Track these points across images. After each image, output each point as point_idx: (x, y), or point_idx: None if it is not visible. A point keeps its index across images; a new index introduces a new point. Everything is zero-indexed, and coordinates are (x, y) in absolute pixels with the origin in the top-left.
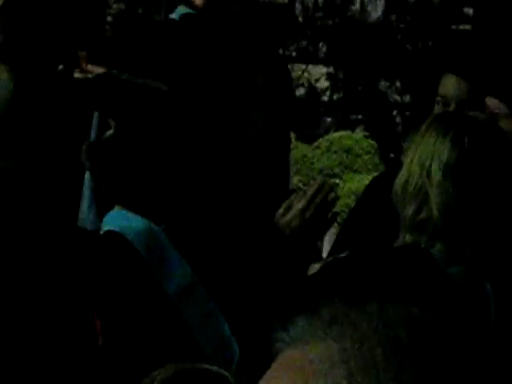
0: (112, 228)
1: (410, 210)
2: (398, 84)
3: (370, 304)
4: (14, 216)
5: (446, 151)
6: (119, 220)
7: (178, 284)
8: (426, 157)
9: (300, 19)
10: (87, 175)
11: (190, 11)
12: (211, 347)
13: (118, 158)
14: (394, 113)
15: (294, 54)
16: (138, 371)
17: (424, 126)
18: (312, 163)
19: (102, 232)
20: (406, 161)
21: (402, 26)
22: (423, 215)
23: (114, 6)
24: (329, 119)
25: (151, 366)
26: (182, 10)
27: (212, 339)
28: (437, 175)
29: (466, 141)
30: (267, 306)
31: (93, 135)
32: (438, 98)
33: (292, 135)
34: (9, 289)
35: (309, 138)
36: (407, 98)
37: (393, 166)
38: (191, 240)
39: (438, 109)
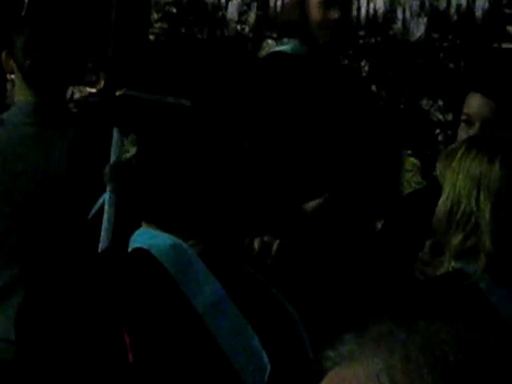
0: (139, 245)
1: (457, 238)
2: (440, 103)
3: (418, 323)
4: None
5: (495, 177)
6: (146, 237)
7: (207, 299)
8: (472, 184)
9: None
10: (107, 196)
11: (299, 45)
12: (241, 362)
13: (143, 177)
14: (437, 131)
15: None
16: None
17: (461, 150)
18: None
19: (129, 250)
20: (447, 187)
21: (444, 44)
22: (471, 243)
23: (157, 25)
24: None
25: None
26: (293, 44)
27: (242, 354)
28: (487, 203)
29: None
30: (298, 320)
31: (113, 156)
32: (463, 117)
33: None
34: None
35: None
36: (450, 116)
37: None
38: (220, 255)
39: (462, 127)
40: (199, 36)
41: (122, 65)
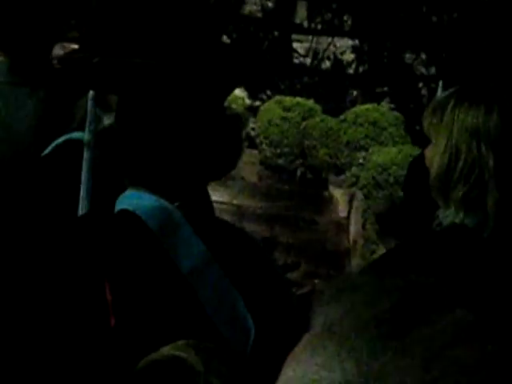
0: (125, 207)
1: (460, 191)
2: (423, 56)
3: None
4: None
5: (494, 126)
6: (132, 199)
7: (192, 262)
8: (470, 135)
9: None
10: (85, 164)
11: None
12: (226, 325)
13: (126, 140)
14: (420, 85)
15: (319, 27)
16: (151, 351)
17: (451, 103)
18: (338, 136)
19: (115, 211)
20: (441, 141)
21: None
22: (475, 194)
23: None
24: (355, 92)
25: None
26: None
27: (227, 317)
28: (489, 152)
29: (509, 114)
30: (283, 284)
31: (89, 125)
32: None
33: (318, 108)
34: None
35: (335, 110)
36: (432, 70)
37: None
38: (206, 217)
39: None
40: None
41: (102, 21)
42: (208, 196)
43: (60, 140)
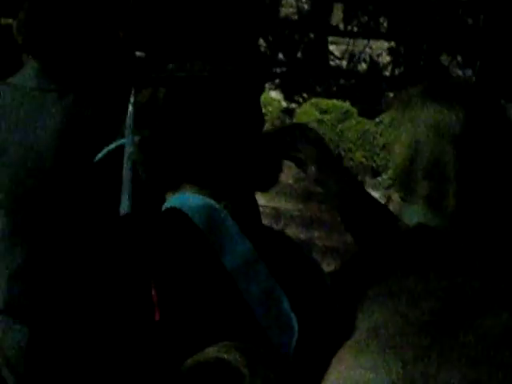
0: (171, 205)
1: (424, 187)
2: (459, 58)
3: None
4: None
5: (456, 123)
6: (179, 199)
7: (238, 259)
8: (433, 132)
9: None
10: (126, 166)
11: None
12: (270, 324)
13: (174, 144)
14: None
15: (355, 29)
16: (195, 348)
17: (415, 99)
18: (374, 138)
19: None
20: (403, 136)
21: None
22: (439, 192)
23: None
24: (391, 94)
25: (209, 343)
26: None
27: (271, 316)
28: (450, 149)
29: (474, 110)
30: (330, 282)
31: (128, 131)
32: None
33: (354, 110)
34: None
35: (371, 112)
36: (469, 72)
37: None
38: (252, 216)
39: None
40: None
41: (139, 25)
42: (256, 204)
43: (112, 146)
